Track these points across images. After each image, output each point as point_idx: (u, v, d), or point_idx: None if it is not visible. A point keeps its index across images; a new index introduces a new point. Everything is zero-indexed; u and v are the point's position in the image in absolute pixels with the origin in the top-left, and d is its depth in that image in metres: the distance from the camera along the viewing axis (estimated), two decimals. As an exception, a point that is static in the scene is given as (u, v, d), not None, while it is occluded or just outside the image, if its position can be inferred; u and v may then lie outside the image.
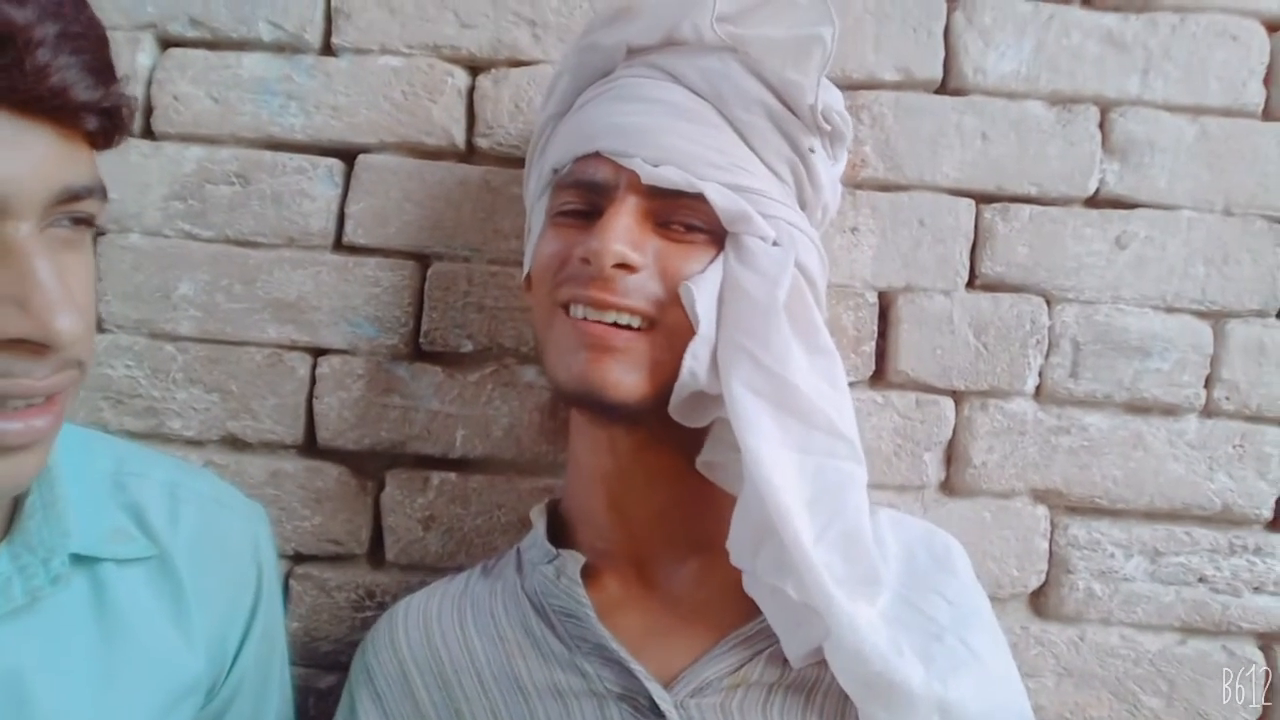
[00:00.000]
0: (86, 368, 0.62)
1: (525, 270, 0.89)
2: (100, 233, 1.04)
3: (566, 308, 0.79)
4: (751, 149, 0.80)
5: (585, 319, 0.77)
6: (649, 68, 0.82)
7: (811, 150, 0.82)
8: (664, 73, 0.81)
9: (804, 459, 0.74)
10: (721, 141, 0.79)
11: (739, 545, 0.77)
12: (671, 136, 0.78)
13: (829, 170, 0.85)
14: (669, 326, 0.77)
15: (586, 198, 0.80)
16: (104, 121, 0.58)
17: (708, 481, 0.82)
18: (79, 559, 0.70)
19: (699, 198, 0.76)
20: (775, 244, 0.78)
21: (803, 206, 0.83)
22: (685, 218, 0.78)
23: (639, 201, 0.77)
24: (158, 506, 0.77)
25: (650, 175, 0.76)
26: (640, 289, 0.77)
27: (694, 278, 0.77)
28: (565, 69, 0.88)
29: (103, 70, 0.57)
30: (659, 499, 0.83)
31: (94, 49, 0.57)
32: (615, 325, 0.77)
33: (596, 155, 0.79)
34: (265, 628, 0.84)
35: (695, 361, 0.76)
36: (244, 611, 0.82)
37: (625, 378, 0.76)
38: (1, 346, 0.55)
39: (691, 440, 0.82)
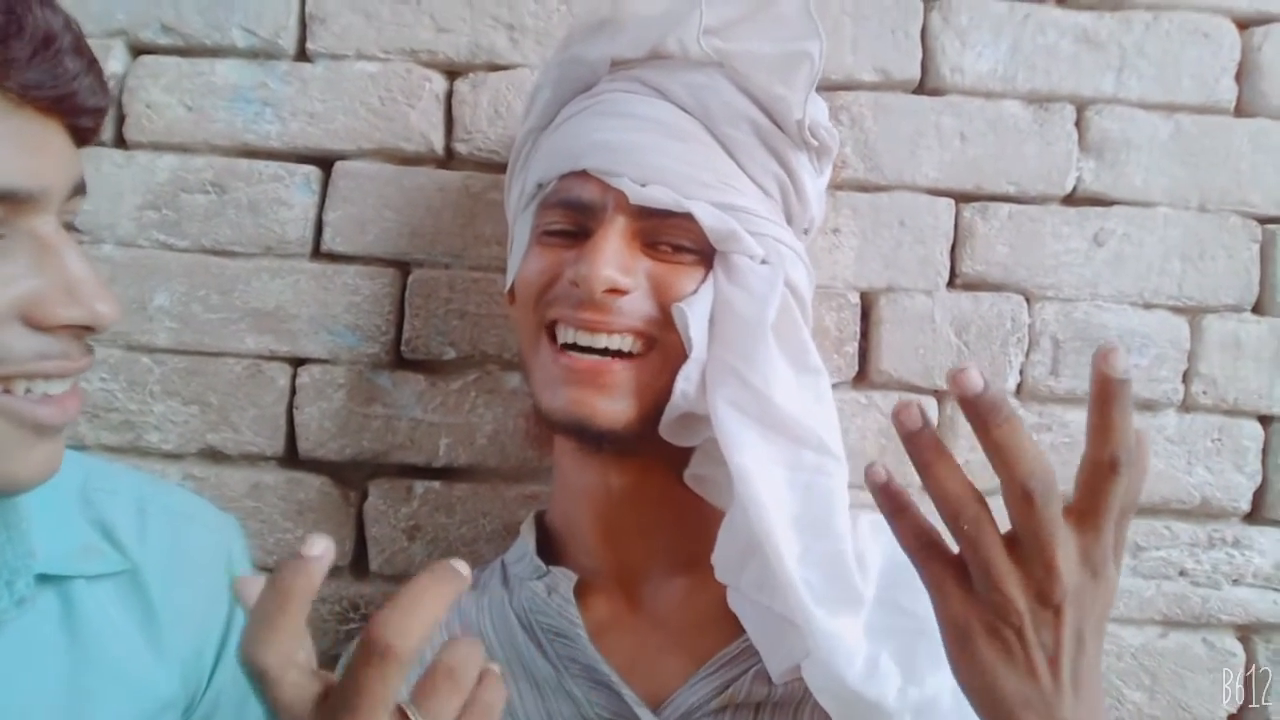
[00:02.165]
0: None
1: (509, 283, 0.88)
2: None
3: (552, 328, 0.79)
4: (739, 166, 0.79)
5: (575, 345, 0.76)
6: (634, 82, 0.81)
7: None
8: (650, 88, 0.80)
9: (793, 475, 0.74)
10: (709, 159, 0.78)
11: (724, 561, 0.77)
12: (659, 155, 0.77)
13: (815, 183, 0.84)
14: (664, 348, 0.77)
15: (573, 218, 0.79)
16: (96, 123, 0.63)
17: (696, 498, 0.82)
18: (47, 578, 0.69)
19: (687, 217, 0.76)
20: (764, 262, 0.78)
21: (789, 220, 0.83)
22: (673, 238, 0.78)
23: (627, 222, 0.77)
24: (126, 522, 0.76)
25: (638, 196, 0.75)
26: (633, 310, 0.76)
27: (687, 299, 0.77)
28: (545, 82, 0.86)
29: (102, 78, 0.63)
30: (647, 516, 0.82)
31: (94, 58, 0.62)
32: (606, 351, 0.76)
33: (583, 174, 0.78)
34: None
35: (687, 383, 0.76)
36: (218, 626, 0.81)
37: (612, 407, 0.76)
38: (51, 331, 0.59)
39: (680, 457, 0.81)
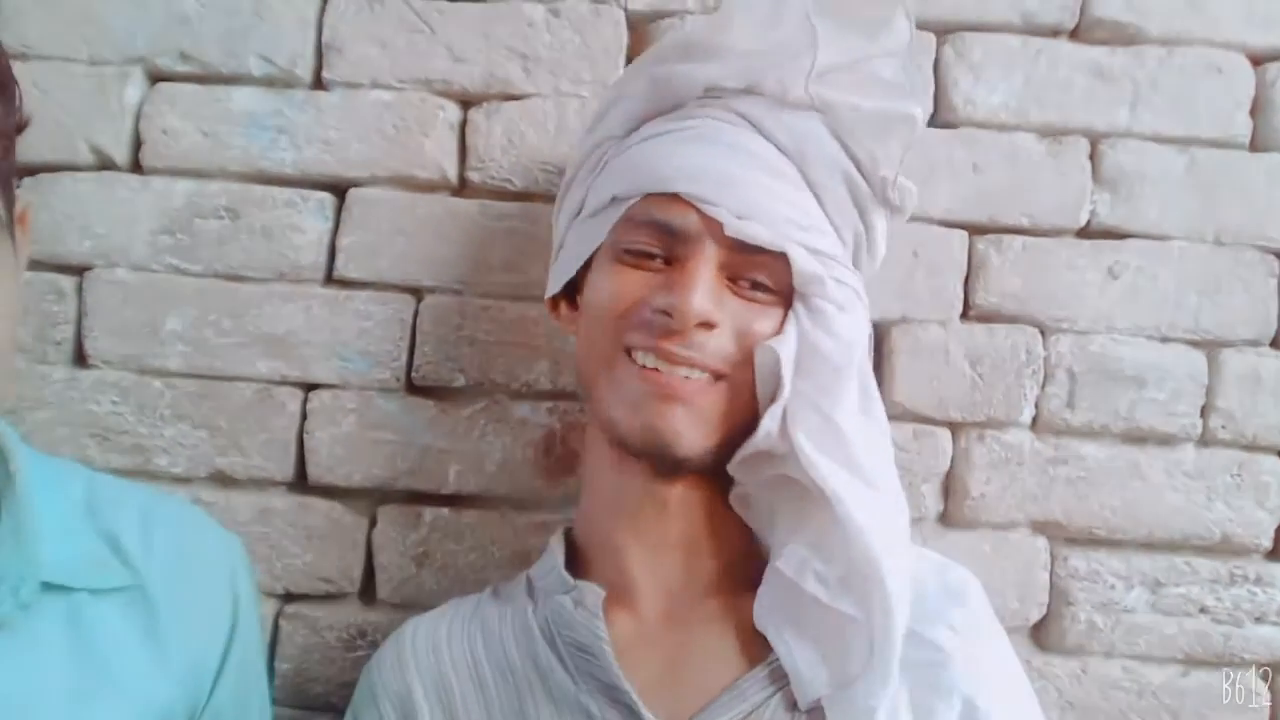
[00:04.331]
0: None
1: (551, 292, 0.88)
2: (86, 268, 1.03)
3: (629, 350, 0.78)
4: (825, 212, 0.80)
5: (656, 369, 0.76)
6: (731, 113, 0.80)
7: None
8: (747, 122, 0.80)
9: (874, 510, 0.74)
10: (802, 201, 0.78)
11: (814, 576, 0.76)
12: (757, 191, 0.76)
13: (884, 238, 0.85)
14: (735, 382, 0.77)
15: (663, 241, 0.77)
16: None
17: (736, 519, 0.82)
18: (52, 586, 0.69)
19: (775, 256, 0.75)
20: (841, 309, 0.78)
21: (855, 267, 0.84)
22: (756, 275, 0.77)
23: (718, 254, 0.76)
24: (131, 531, 0.76)
25: (735, 228, 0.74)
26: (716, 347, 0.76)
27: (776, 340, 0.76)
28: (631, 93, 0.85)
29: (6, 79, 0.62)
30: (690, 531, 0.82)
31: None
32: (685, 378, 0.76)
33: (674, 197, 0.77)
34: (243, 657, 0.82)
35: (772, 422, 0.76)
36: (220, 638, 0.80)
37: (693, 431, 0.75)
38: None
39: (725, 476, 0.81)
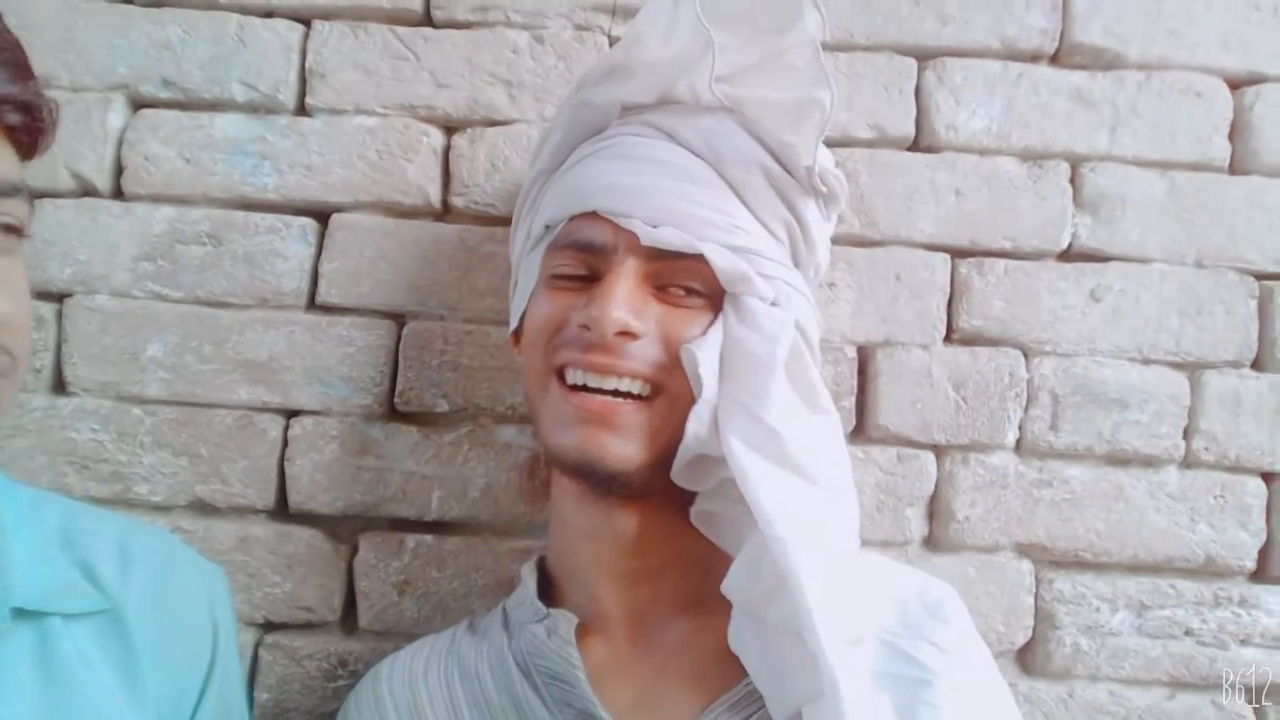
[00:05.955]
0: (19, 363, 0.65)
1: (512, 327, 0.88)
2: (67, 295, 1.03)
3: (561, 372, 0.78)
4: (749, 209, 0.80)
5: (585, 387, 0.76)
6: (645, 126, 0.82)
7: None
8: (661, 132, 0.81)
9: (807, 512, 0.73)
10: (720, 201, 0.79)
11: (744, 592, 0.75)
12: (670, 197, 0.77)
13: (822, 229, 0.85)
14: (671, 393, 0.77)
15: (584, 260, 0.79)
16: (24, 118, 0.61)
17: (700, 539, 0.81)
18: (24, 613, 0.68)
19: (698, 259, 0.76)
20: (774, 304, 0.78)
21: (796, 264, 0.83)
22: (684, 280, 0.78)
23: (638, 264, 0.77)
24: (108, 562, 0.75)
25: (649, 236, 0.75)
26: (642, 355, 0.76)
27: (696, 341, 0.76)
28: (558, 124, 0.87)
29: (19, 67, 0.61)
30: (652, 557, 0.81)
31: (9, 49, 0.60)
32: (616, 393, 0.76)
33: (593, 215, 0.78)
34: (223, 691, 0.81)
35: (699, 424, 0.75)
36: (200, 671, 0.79)
37: (624, 449, 0.75)
38: None
39: (686, 496, 0.80)
